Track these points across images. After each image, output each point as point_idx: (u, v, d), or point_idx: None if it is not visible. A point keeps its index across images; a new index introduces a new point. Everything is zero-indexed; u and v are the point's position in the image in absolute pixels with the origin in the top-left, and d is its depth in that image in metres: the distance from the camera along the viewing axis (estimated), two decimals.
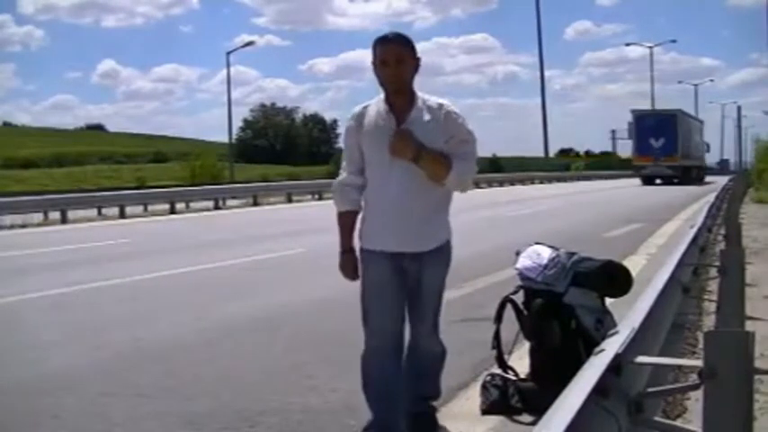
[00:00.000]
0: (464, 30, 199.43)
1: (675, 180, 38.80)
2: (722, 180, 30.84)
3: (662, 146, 39.92)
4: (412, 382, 3.67)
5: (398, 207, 3.39)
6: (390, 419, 3.52)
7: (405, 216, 3.40)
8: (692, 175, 41.04)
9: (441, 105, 3.44)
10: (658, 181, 39.44)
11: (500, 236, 13.05)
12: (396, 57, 3.36)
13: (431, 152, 3.34)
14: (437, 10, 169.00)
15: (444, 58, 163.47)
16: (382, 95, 3.46)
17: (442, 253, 3.54)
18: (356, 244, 3.60)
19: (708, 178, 44.41)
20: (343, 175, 3.57)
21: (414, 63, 3.43)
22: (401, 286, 3.49)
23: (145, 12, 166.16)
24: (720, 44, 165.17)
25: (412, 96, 3.44)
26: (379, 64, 3.39)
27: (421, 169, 3.35)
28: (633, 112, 44.56)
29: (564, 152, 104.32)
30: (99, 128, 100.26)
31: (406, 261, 3.46)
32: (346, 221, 3.56)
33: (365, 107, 3.50)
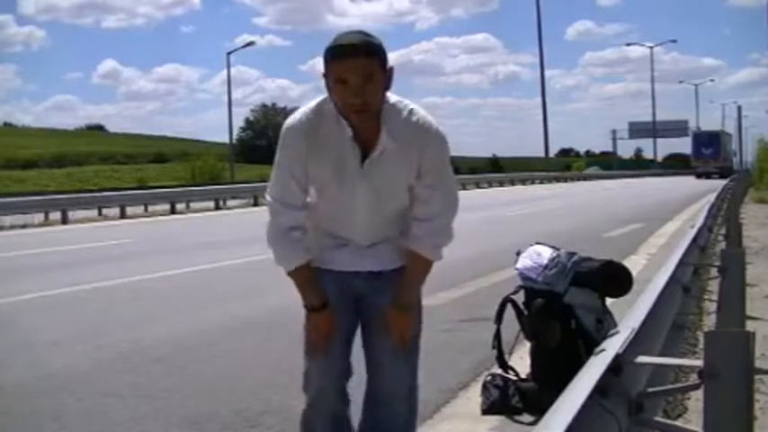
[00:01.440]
0: (465, 30, 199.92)
1: (715, 175, 52.34)
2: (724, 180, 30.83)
3: (710, 153, 60.49)
4: None
5: (362, 239, 2.65)
6: None
7: (369, 243, 2.67)
8: (725, 172, 55.12)
9: (419, 127, 2.51)
10: (703, 177, 53.86)
11: (500, 236, 13.05)
12: (362, 73, 2.36)
13: (418, 281, 2.67)
14: (438, 10, 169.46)
15: (445, 59, 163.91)
16: (332, 104, 2.50)
17: None
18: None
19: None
20: (281, 212, 2.59)
21: (385, 78, 2.44)
22: (348, 312, 2.70)
23: (146, 12, 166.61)
24: (721, 44, 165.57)
25: (379, 115, 2.48)
26: (335, 83, 2.40)
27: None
28: (697, 131, 68.53)
29: (564, 152, 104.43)
30: (99, 128, 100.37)
31: (360, 281, 2.67)
32: (305, 276, 2.63)
33: (313, 116, 2.53)
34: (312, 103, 2.58)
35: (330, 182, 2.56)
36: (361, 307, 2.73)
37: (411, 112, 2.53)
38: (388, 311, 2.63)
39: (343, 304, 2.68)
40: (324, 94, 2.52)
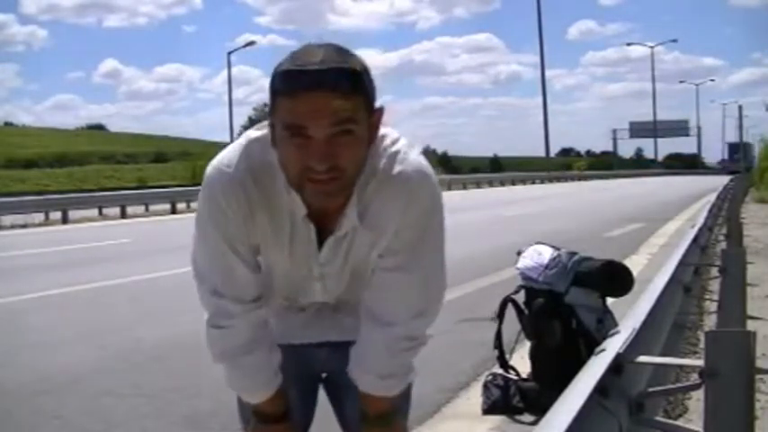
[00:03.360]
0: (467, 29, 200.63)
1: (740, 173, 60.45)
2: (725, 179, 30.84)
3: (738, 158, 76.35)
4: None
5: (325, 317, 1.88)
6: None
7: (334, 318, 1.88)
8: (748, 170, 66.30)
9: (401, 182, 1.56)
10: (731, 174, 61.05)
11: (500, 236, 13.04)
12: (334, 120, 1.41)
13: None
14: (440, 9, 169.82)
15: (447, 58, 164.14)
16: (276, 158, 1.52)
17: None
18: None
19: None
20: (231, 315, 1.68)
21: (371, 125, 1.50)
22: (306, 399, 1.98)
23: (147, 11, 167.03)
24: (722, 44, 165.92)
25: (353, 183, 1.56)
26: (285, 131, 1.45)
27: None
28: (730, 142, 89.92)
29: (565, 152, 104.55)
30: (100, 128, 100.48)
31: (324, 352, 1.90)
32: (273, 401, 1.80)
33: (249, 177, 1.57)
34: (239, 150, 1.60)
35: (276, 257, 1.70)
36: (328, 390, 1.99)
37: (394, 158, 1.56)
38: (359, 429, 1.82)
39: (300, 391, 1.93)
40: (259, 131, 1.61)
